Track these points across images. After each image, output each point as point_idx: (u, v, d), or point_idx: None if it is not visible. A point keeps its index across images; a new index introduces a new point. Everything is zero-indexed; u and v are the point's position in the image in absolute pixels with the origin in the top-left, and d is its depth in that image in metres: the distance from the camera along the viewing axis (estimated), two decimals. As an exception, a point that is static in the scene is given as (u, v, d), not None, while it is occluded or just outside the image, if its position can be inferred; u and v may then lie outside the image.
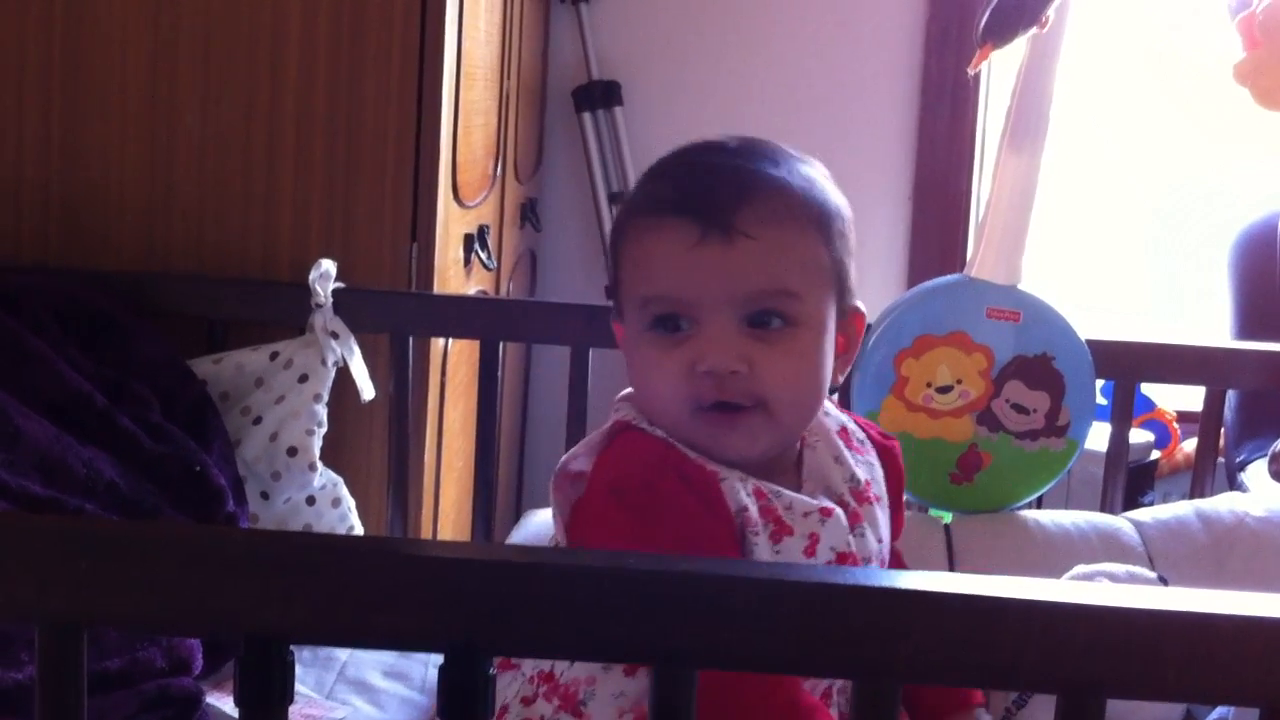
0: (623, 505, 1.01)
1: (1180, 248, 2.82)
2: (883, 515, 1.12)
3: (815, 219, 1.05)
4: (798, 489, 1.08)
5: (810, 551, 1.04)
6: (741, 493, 1.03)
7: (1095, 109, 2.70)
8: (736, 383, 1.02)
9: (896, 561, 1.19)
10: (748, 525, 1.02)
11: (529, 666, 1.08)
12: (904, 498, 1.21)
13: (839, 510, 1.06)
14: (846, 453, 1.12)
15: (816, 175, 1.08)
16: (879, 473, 1.14)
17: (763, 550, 1.02)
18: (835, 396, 1.61)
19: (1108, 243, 2.86)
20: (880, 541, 1.10)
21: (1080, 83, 2.60)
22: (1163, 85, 2.70)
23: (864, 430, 1.17)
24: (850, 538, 1.06)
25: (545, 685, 1.06)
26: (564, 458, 1.09)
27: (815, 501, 1.06)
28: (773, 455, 1.08)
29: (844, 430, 1.14)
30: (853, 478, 1.10)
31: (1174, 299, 2.84)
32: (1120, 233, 2.86)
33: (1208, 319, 2.49)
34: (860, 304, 1.11)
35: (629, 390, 1.11)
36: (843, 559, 1.05)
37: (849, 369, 1.13)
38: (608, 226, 2.47)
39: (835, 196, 1.08)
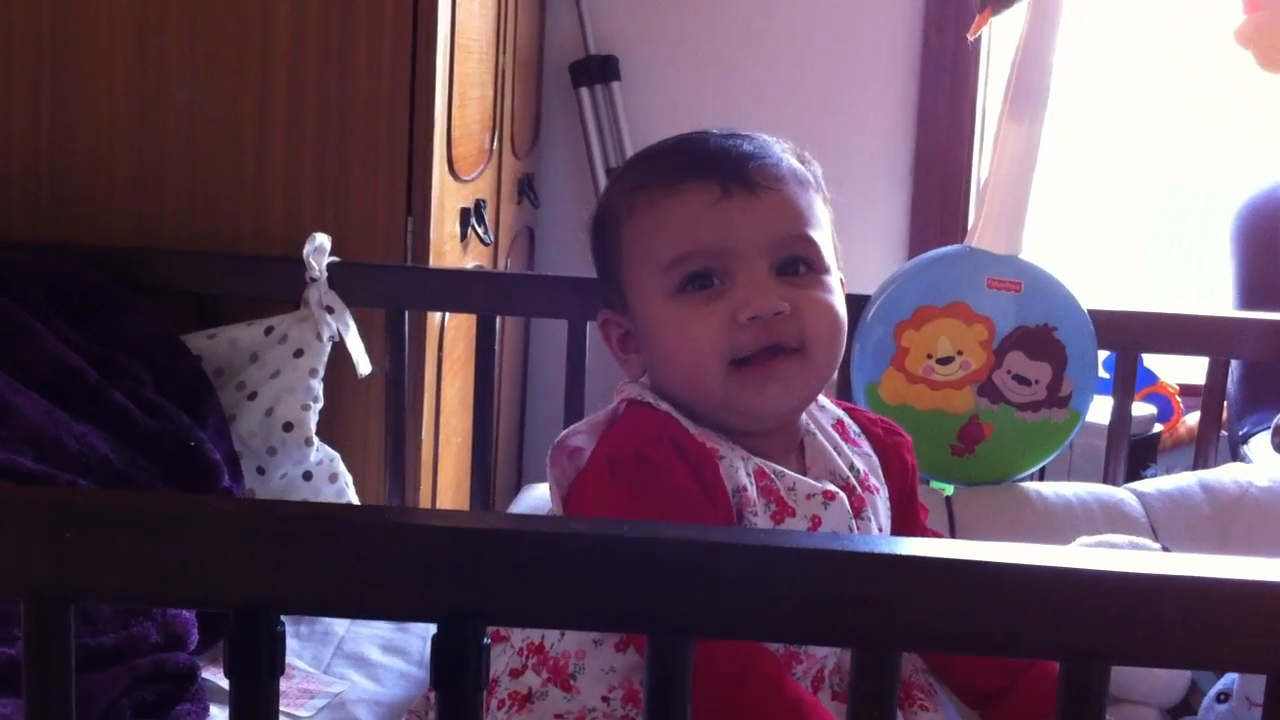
0: (616, 478, 1.01)
1: (1180, 248, 2.81)
2: (882, 505, 1.12)
3: (810, 181, 1.10)
4: (803, 474, 1.08)
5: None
6: (741, 472, 1.03)
7: (1095, 108, 2.69)
8: (782, 324, 1.03)
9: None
10: (745, 505, 1.02)
11: (518, 638, 1.07)
12: (917, 487, 1.21)
13: (842, 495, 1.06)
14: (843, 444, 1.13)
15: (793, 149, 1.12)
16: (876, 464, 1.15)
17: None
18: (835, 374, 1.60)
19: (1107, 243, 2.85)
20: (881, 530, 1.11)
21: (1080, 82, 2.59)
22: (1163, 85, 2.69)
23: (864, 424, 1.18)
24: (854, 522, 1.06)
25: (535, 657, 1.06)
26: (564, 433, 1.08)
27: (819, 484, 1.06)
28: (797, 413, 1.09)
29: (840, 423, 1.15)
30: (852, 466, 1.11)
31: (1173, 299, 2.83)
32: (1120, 232, 2.85)
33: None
34: (841, 274, 1.13)
35: (626, 381, 1.11)
36: None
37: None
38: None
39: (812, 164, 1.12)
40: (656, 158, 1.11)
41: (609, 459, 1.02)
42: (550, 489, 1.09)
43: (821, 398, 1.15)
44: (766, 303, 1.02)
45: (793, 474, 1.06)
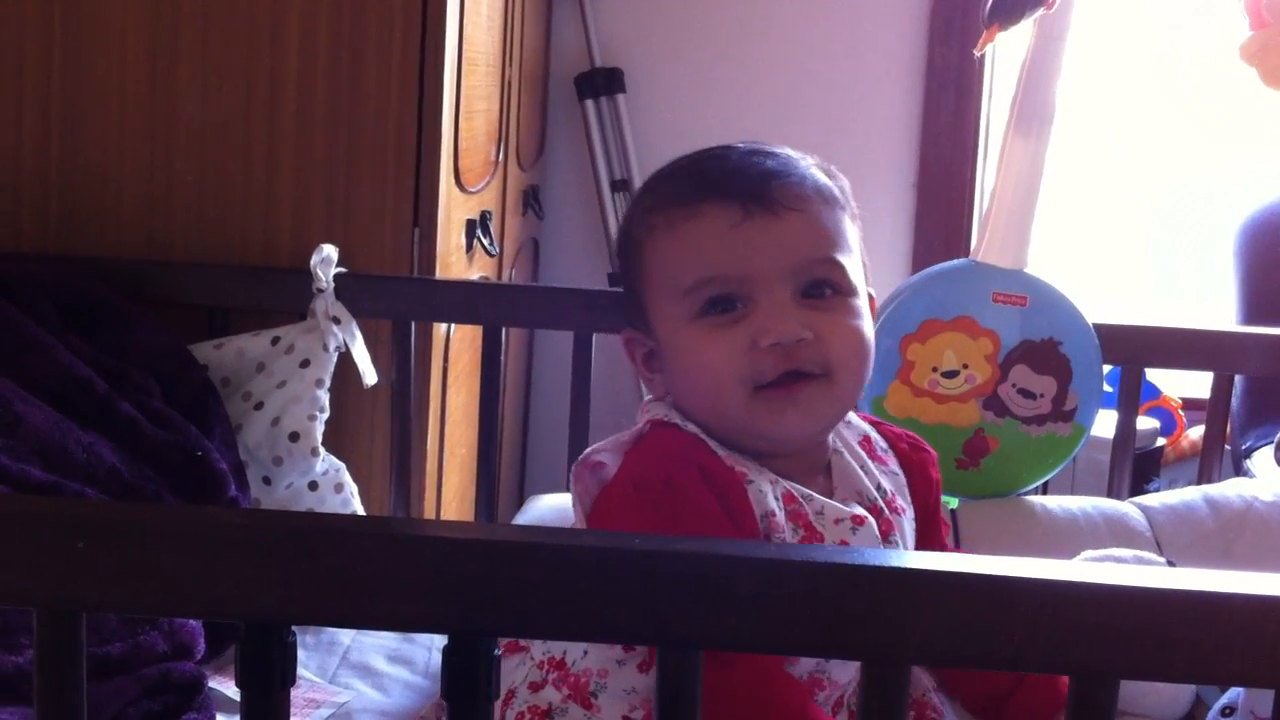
0: (641, 500, 0.99)
1: (1180, 248, 2.81)
2: (909, 527, 1.10)
3: (836, 197, 1.07)
4: (829, 495, 1.06)
5: None
6: (769, 496, 1.01)
7: (1095, 108, 2.70)
8: (804, 350, 1.01)
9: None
10: (774, 530, 1.00)
11: (538, 651, 1.06)
12: (940, 504, 1.19)
13: (871, 519, 1.04)
14: (870, 463, 1.11)
15: (820, 164, 1.09)
16: (902, 483, 1.13)
17: None
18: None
19: (1108, 243, 2.86)
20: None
21: (1081, 82, 2.60)
22: (1163, 85, 2.70)
23: (890, 440, 1.16)
24: (882, 548, 1.04)
25: (555, 673, 1.04)
26: (588, 450, 1.07)
27: (847, 509, 1.04)
28: (822, 436, 1.07)
29: (866, 440, 1.13)
30: (880, 487, 1.09)
31: (1174, 299, 2.84)
32: (1121, 233, 2.85)
33: (1208, 319, 2.48)
34: (873, 290, 1.11)
35: (650, 398, 1.10)
36: None
37: None
38: (610, 214, 2.46)
39: (840, 179, 1.09)
40: (677, 176, 1.08)
41: (634, 481, 1.01)
42: (574, 505, 1.08)
43: (849, 414, 1.13)
44: (787, 329, 1.00)
45: (821, 498, 1.04)
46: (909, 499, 1.12)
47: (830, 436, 1.09)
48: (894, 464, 1.13)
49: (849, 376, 1.03)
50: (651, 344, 1.08)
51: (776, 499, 1.01)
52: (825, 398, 1.03)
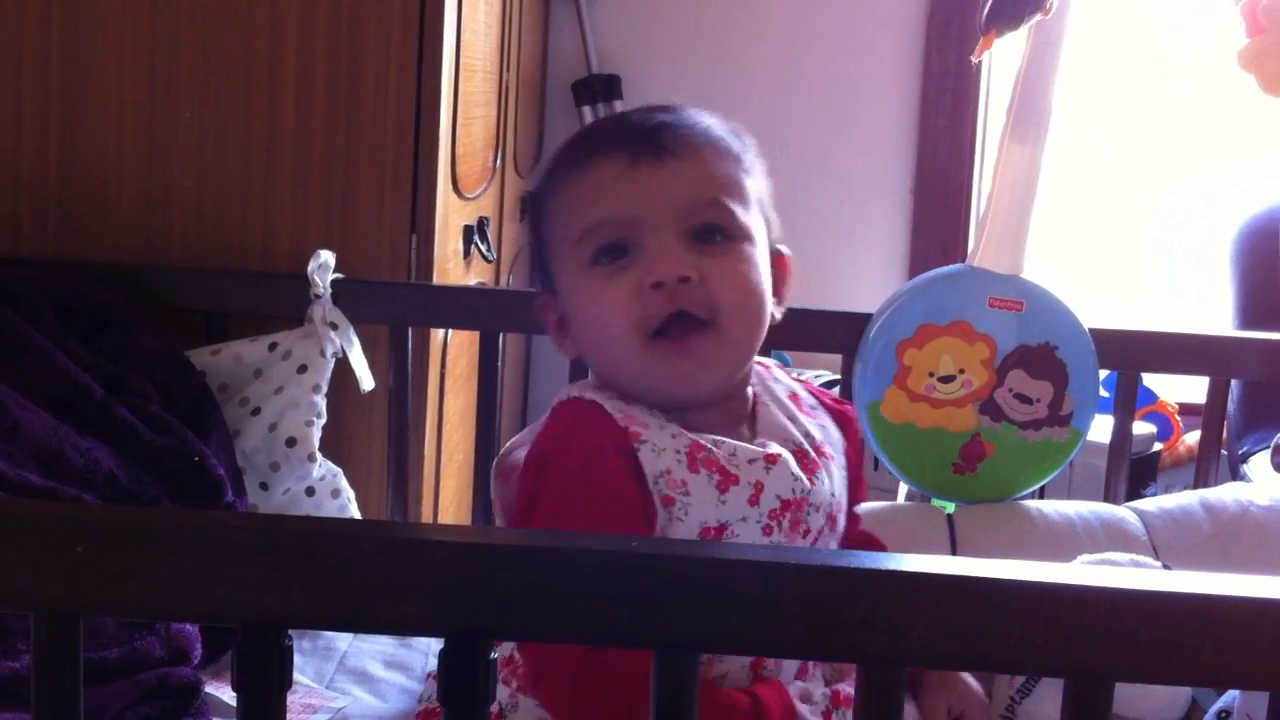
0: (540, 478, 1.01)
1: (1180, 248, 2.81)
2: (838, 473, 1.12)
3: (731, 149, 1.09)
4: (751, 442, 1.07)
5: (754, 500, 1.03)
6: (666, 454, 1.02)
7: (1095, 109, 2.71)
8: (689, 292, 1.02)
9: (857, 531, 1.19)
10: (670, 487, 1.01)
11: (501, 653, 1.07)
12: (863, 463, 1.21)
13: (786, 456, 1.05)
14: (799, 414, 1.13)
15: (723, 123, 1.11)
16: (834, 435, 1.15)
17: (702, 508, 1.01)
18: (838, 390, 1.61)
19: (1107, 243, 2.86)
20: (834, 496, 1.10)
21: (1080, 82, 2.61)
22: (1163, 85, 2.70)
23: (818, 396, 1.18)
24: (801, 483, 1.05)
25: (504, 669, 1.06)
26: (507, 446, 1.09)
27: (760, 449, 1.05)
28: (724, 389, 1.08)
29: (794, 395, 1.15)
30: (807, 434, 1.11)
31: (1173, 299, 2.84)
32: (1120, 233, 2.86)
33: (1207, 319, 2.49)
34: (786, 249, 1.12)
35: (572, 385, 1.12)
36: (788, 506, 1.04)
37: (782, 313, 1.12)
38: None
39: (745, 138, 1.11)
40: (577, 139, 1.12)
41: (535, 461, 1.03)
42: (495, 509, 1.09)
43: (778, 372, 1.15)
44: (670, 268, 1.01)
45: (732, 441, 1.05)
46: (840, 450, 1.14)
47: (755, 388, 1.11)
48: (823, 417, 1.15)
49: (735, 322, 1.04)
50: (562, 307, 1.10)
51: (677, 453, 1.02)
52: (717, 349, 1.03)
